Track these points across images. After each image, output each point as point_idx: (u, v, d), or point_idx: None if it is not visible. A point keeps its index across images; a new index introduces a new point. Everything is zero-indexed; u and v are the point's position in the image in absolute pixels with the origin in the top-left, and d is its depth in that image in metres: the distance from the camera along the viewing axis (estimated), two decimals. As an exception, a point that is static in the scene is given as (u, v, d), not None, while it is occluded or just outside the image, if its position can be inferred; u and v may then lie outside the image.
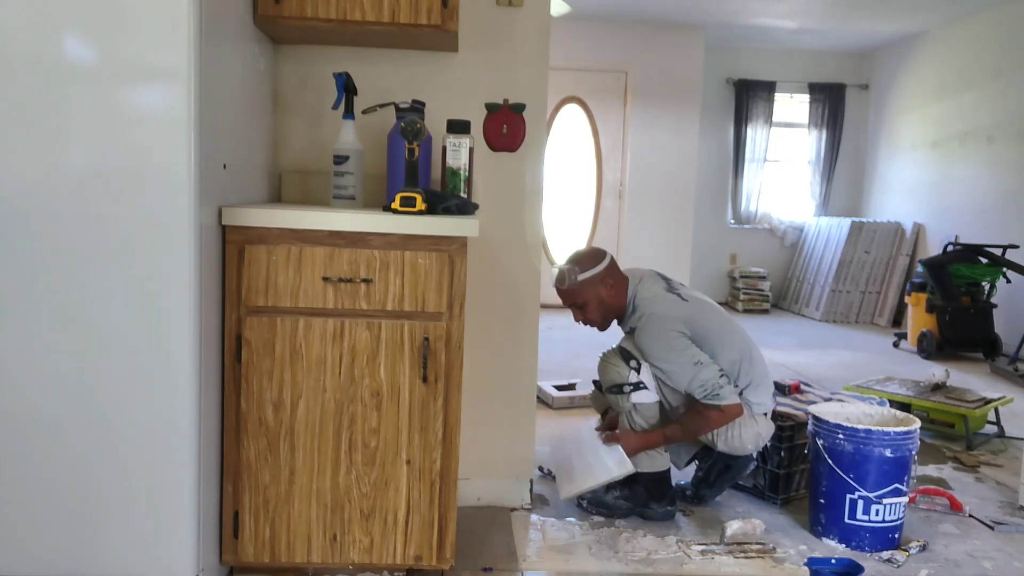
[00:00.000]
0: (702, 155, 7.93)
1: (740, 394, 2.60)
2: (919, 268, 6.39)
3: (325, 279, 1.97)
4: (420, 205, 2.01)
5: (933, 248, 7.06)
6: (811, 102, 8.33)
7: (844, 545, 2.52)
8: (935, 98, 7.26)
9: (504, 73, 2.59)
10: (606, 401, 2.80)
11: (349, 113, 2.35)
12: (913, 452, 2.51)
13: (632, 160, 7.63)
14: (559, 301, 2.79)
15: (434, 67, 2.55)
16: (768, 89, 8.24)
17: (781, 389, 3.25)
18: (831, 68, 8.31)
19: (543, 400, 4.14)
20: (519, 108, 2.59)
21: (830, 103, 8.30)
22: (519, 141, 2.61)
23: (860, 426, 2.48)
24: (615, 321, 2.79)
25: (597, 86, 7.60)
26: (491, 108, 2.59)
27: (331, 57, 2.50)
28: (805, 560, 2.43)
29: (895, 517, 2.50)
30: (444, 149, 2.36)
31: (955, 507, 2.86)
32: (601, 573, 2.33)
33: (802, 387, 3.32)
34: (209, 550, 1.96)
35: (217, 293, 1.94)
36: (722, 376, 2.54)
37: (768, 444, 2.78)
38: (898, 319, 7.42)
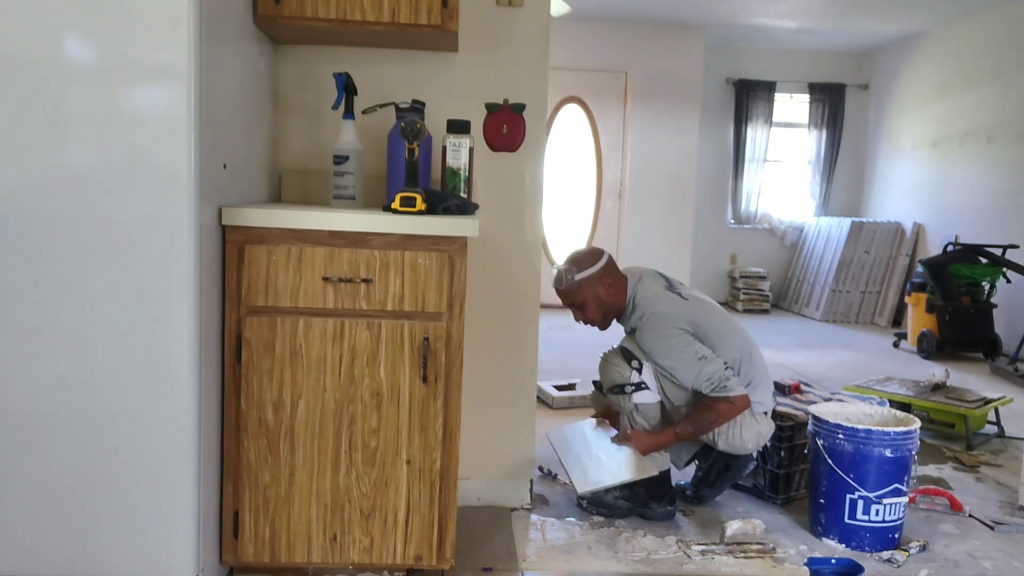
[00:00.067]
0: (702, 155, 7.93)
1: (742, 392, 2.60)
2: (919, 268, 6.39)
3: (325, 279, 1.97)
4: (420, 205, 2.01)
5: (933, 248, 7.06)
6: (811, 102, 8.33)
7: (844, 545, 2.52)
8: (935, 98, 7.26)
9: (504, 73, 2.59)
10: (606, 401, 2.80)
11: (349, 113, 2.35)
12: (913, 452, 2.51)
13: (632, 160, 7.63)
14: (559, 301, 2.79)
15: (434, 67, 2.55)
16: (768, 89, 8.25)
17: (781, 389, 3.25)
18: (831, 68, 8.31)
19: (543, 400, 4.14)
20: (519, 108, 2.59)
21: (830, 103, 8.30)
22: (519, 141, 2.61)
23: (860, 426, 2.49)
24: (615, 320, 2.79)
25: (597, 86, 7.60)
26: (491, 108, 2.59)
27: (331, 57, 2.50)
28: (805, 560, 2.43)
29: (895, 517, 2.50)
30: (444, 149, 2.36)
31: (955, 507, 2.86)
32: (601, 573, 2.33)
33: (802, 387, 3.32)
34: (209, 550, 1.96)
35: (217, 293, 1.94)
36: (727, 368, 2.54)
37: (768, 444, 2.78)
38: (898, 319, 7.42)
